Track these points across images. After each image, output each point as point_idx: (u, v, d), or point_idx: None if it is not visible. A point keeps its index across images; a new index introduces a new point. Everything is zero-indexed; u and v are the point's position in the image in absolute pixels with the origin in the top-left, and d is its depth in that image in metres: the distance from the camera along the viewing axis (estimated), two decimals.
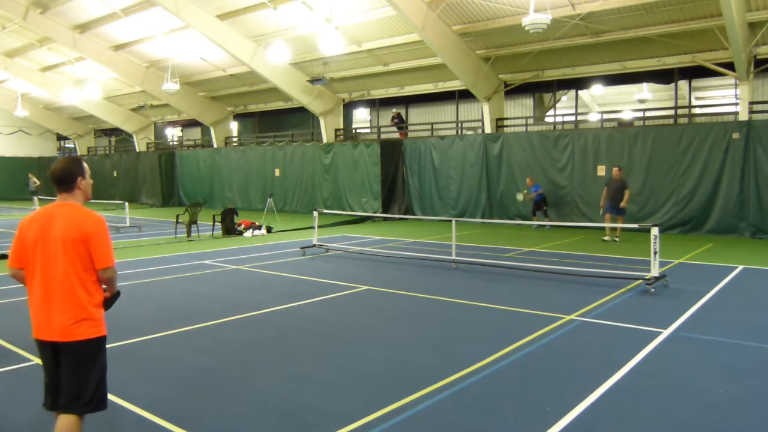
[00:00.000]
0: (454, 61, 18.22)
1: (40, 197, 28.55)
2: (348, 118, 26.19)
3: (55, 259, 3.32)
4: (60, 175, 3.45)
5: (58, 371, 3.41)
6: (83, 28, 23.35)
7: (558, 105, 22.37)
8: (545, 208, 17.97)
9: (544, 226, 17.77)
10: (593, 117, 23.39)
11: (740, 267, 10.88)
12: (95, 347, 3.42)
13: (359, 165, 22.85)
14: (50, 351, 3.40)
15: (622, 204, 14.24)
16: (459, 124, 22.31)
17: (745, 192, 15.48)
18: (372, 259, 12.26)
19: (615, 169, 14.65)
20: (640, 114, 19.81)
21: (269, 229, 17.45)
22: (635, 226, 10.70)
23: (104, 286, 3.53)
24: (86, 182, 3.54)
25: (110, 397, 4.63)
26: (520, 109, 21.68)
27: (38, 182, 30.40)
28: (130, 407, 4.54)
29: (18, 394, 4.92)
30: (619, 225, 14.34)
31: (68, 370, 3.37)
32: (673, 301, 8.09)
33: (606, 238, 14.94)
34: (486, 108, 20.07)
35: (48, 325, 3.35)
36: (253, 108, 29.15)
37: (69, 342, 3.34)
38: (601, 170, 17.60)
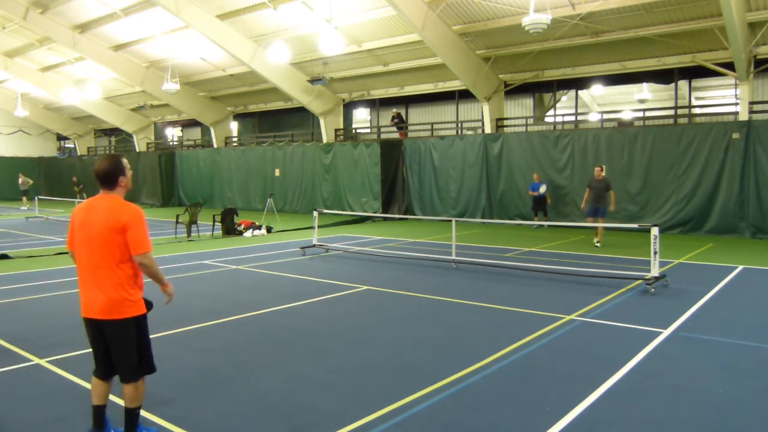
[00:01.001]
0: (454, 61, 18.22)
1: (32, 197, 28.69)
2: (348, 118, 26.19)
3: (96, 245, 3.69)
4: (104, 176, 3.82)
5: (105, 345, 3.83)
6: (83, 28, 23.35)
7: (558, 105, 22.38)
8: (545, 207, 17.97)
9: (542, 225, 17.78)
10: (593, 117, 23.39)
11: (740, 267, 10.88)
12: (134, 324, 3.79)
13: (359, 165, 22.85)
14: (95, 327, 3.81)
15: (611, 207, 13.52)
16: (459, 124, 22.31)
17: (745, 192, 15.48)
18: (372, 259, 12.26)
19: (597, 169, 13.81)
20: (640, 114, 19.81)
21: (269, 229, 17.45)
22: (635, 226, 10.70)
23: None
24: (126, 179, 3.92)
25: (110, 397, 4.64)
26: (520, 109, 21.67)
27: (31, 181, 30.40)
28: None
29: (18, 394, 4.92)
30: (600, 224, 13.45)
31: (113, 346, 3.80)
32: (673, 301, 8.10)
33: (597, 243, 13.79)
34: (486, 108, 20.07)
35: (91, 305, 3.76)
36: (253, 108, 29.15)
37: (109, 320, 3.73)
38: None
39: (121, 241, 3.70)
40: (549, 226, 17.62)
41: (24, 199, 29.52)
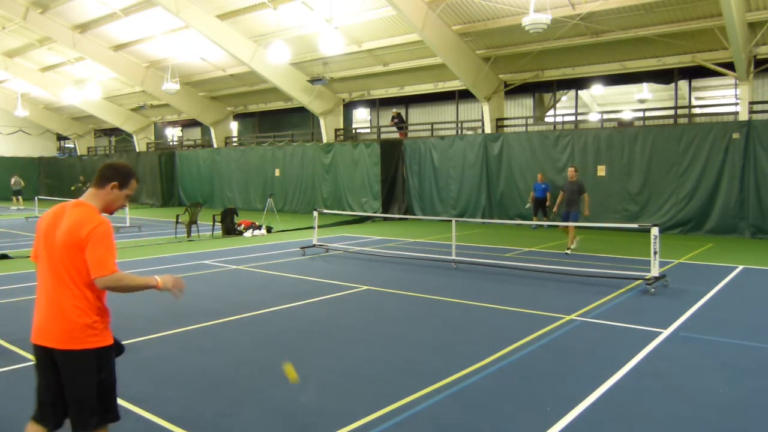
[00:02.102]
0: (454, 61, 18.22)
1: (26, 197, 28.80)
2: (348, 118, 26.19)
3: (58, 260, 3.10)
4: (103, 169, 3.27)
5: (57, 381, 3.14)
6: (83, 28, 23.35)
7: (558, 105, 22.37)
8: (540, 208, 17.95)
9: (542, 225, 17.77)
10: (593, 117, 23.39)
11: (740, 267, 10.88)
12: (95, 358, 3.12)
13: (359, 165, 22.85)
14: (47, 359, 3.15)
15: (585, 212, 12.59)
16: (459, 124, 22.31)
17: (745, 192, 15.48)
18: (372, 259, 12.26)
19: (570, 170, 13.05)
20: (640, 114, 19.82)
21: (269, 229, 17.44)
22: (635, 226, 10.70)
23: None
24: (118, 194, 3.26)
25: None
26: (520, 109, 21.67)
27: (23, 183, 30.45)
28: (130, 407, 4.54)
29: (18, 394, 4.92)
30: (570, 223, 12.35)
31: (68, 383, 3.12)
32: (673, 301, 8.09)
33: (568, 250, 12.76)
34: (486, 108, 20.07)
35: (45, 330, 3.13)
36: (253, 108, 29.15)
37: (66, 350, 3.08)
38: (602, 170, 17.61)
39: (82, 258, 3.06)
40: (549, 226, 17.61)
41: (16, 198, 29.56)
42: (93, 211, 3.16)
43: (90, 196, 3.23)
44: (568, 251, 12.69)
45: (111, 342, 3.21)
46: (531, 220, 18.08)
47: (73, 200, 3.26)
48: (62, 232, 3.09)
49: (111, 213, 3.34)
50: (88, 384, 3.12)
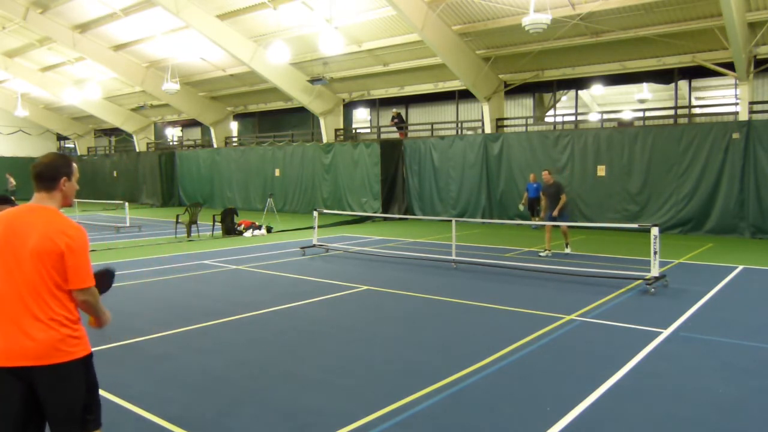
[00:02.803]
0: (454, 61, 18.21)
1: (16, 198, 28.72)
2: (348, 118, 26.19)
3: (28, 270, 2.81)
4: (42, 171, 2.94)
5: (25, 405, 2.85)
6: (83, 28, 23.35)
7: (558, 105, 22.37)
8: (538, 207, 17.93)
9: (542, 226, 17.74)
10: (593, 117, 23.39)
11: (740, 267, 10.88)
12: (83, 366, 2.93)
13: (359, 165, 22.85)
14: (16, 381, 2.81)
15: (555, 213, 12.14)
16: (459, 124, 22.30)
17: (745, 192, 15.48)
18: (372, 259, 12.26)
19: (545, 173, 12.77)
20: (640, 114, 19.81)
21: (269, 229, 17.44)
22: (635, 226, 10.69)
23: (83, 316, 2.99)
24: (70, 185, 3.01)
25: (110, 397, 4.65)
26: (520, 109, 21.67)
27: (14, 183, 30.45)
28: (130, 407, 4.54)
29: None
30: (548, 227, 12.28)
31: (53, 400, 2.86)
32: (673, 301, 8.09)
33: (544, 253, 12.46)
34: (486, 108, 20.07)
35: (16, 348, 2.79)
36: (253, 108, 29.15)
37: (48, 366, 2.82)
38: (601, 170, 17.61)
39: (60, 267, 2.83)
40: (536, 226, 17.59)
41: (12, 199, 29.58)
42: (62, 216, 2.93)
43: (43, 199, 2.95)
44: (567, 249, 12.69)
45: (91, 349, 3.01)
46: (530, 220, 18.07)
47: (20, 205, 3.01)
48: (35, 240, 2.82)
49: (69, 206, 3.17)
50: (78, 396, 2.92)
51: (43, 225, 2.85)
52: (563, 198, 12.30)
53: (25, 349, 2.79)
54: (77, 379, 2.91)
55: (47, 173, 2.94)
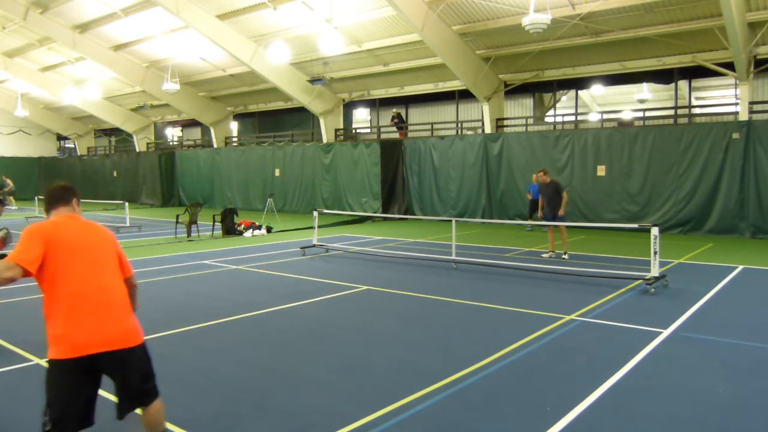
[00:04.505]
0: (454, 61, 18.22)
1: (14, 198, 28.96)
2: (348, 118, 26.19)
3: (106, 266, 3.38)
4: (62, 193, 3.54)
5: (95, 388, 3.32)
6: (83, 28, 23.35)
7: (558, 105, 22.38)
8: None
9: (540, 226, 17.72)
10: (593, 117, 23.39)
11: (740, 267, 10.88)
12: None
13: (359, 165, 22.86)
14: (89, 366, 3.19)
15: (561, 212, 11.97)
16: (459, 124, 22.31)
17: (745, 192, 15.48)
18: (372, 259, 12.26)
19: (541, 173, 12.40)
20: (640, 114, 19.82)
21: (269, 229, 17.44)
22: (635, 226, 10.69)
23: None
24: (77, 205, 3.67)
25: (111, 397, 4.65)
26: (520, 109, 21.67)
27: (11, 184, 30.48)
28: None
29: (18, 394, 4.92)
30: (558, 223, 12.01)
31: (140, 373, 3.40)
32: (673, 301, 8.09)
33: (547, 254, 12.38)
34: (486, 108, 20.07)
35: (109, 334, 3.21)
36: (253, 108, 29.16)
37: (138, 345, 3.37)
38: (602, 170, 17.61)
39: (117, 259, 3.53)
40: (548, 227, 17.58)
41: (10, 199, 29.65)
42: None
43: (75, 209, 3.56)
44: (565, 256, 12.05)
45: None
46: (528, 220, 18.05)
47: (67, 214, 3.51)
48: (99, 238, 3.46)
49: None
50: (150, 364, 3.51)
51: (98, 226, 3.60)
52: (565, 196, 12.08)
53: (116, 333, 3.25)
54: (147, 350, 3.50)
55: (67, 194, 3.57)
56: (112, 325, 3.24)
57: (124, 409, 3.42)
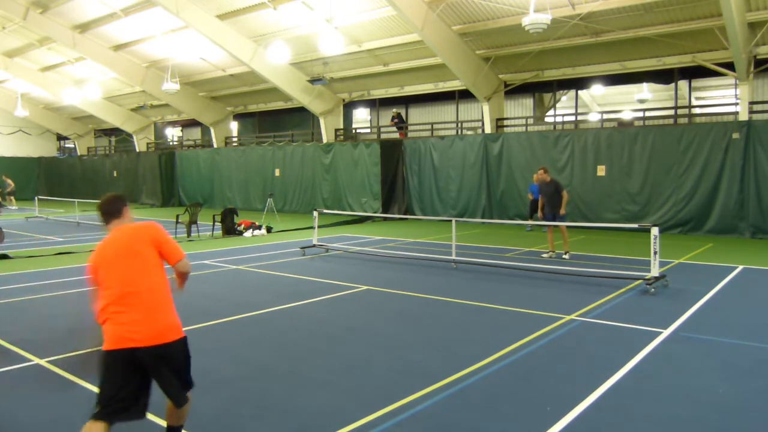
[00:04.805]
0: (454, 61, 18.22)
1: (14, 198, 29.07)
2: (348, 118, 26.20)
3: (136, 267, 3.60)
4: (113, 204, 3.86)
5: (145, 377, 3.53)
6: (83, 28, 23.35)
7: (558, 105, 22.38)
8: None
9: (540, 226, 17.72)
10: (593, 117, 23.38)
11: (740, 267, 10.88)
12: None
13: (359, 165, 22.86)
14: (132, 358, 3.46)
15: (562, 211, 11.88)
16: (459, 124, 22.31)
17: (745, 192, 15.48)
18: (372, 259, 12.26)
19: (540, 172, 12.20)
20: (640, 114, 19.81)
21: (269, 229, 17.45)
22: (635, 226, 10.68)
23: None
24: (128, 212, 3.94)
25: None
26: (520, 109, 21.67)
27: (12, 184, 30.49)
28: None
29: (18, 394, 4.92)
30: (559, 223, 11.90)
31: (179, 368, 3.61)
32: (673, 301, 8.09)
33: (547, 254, 12.34)
34: (486, 108, 20.07)
35: (157, 329, 3.49)
36: (253, 108, 29.16)
37: (179, 339, 3.59)
38: (602, 170, 17.61)
39: (158, 255, 3.76)
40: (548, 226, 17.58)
41: (11, 199, 29.64)
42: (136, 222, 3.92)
43: (124, 218, 3.88)
44: (566, 256, 12.01)
45: None
46: (528, 220, 18.05)
47: (117, 227, 3.81)
48: (129, 242, 3.69)
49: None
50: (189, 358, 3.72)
51: (136, 230, 3.86)
52: (565, 195, 11.96)
53: (161, 329, 3.49)
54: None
55: (118, 204, 3.90)
56: (145, 324, 3.47)
57: (172, 396, 3.65)
